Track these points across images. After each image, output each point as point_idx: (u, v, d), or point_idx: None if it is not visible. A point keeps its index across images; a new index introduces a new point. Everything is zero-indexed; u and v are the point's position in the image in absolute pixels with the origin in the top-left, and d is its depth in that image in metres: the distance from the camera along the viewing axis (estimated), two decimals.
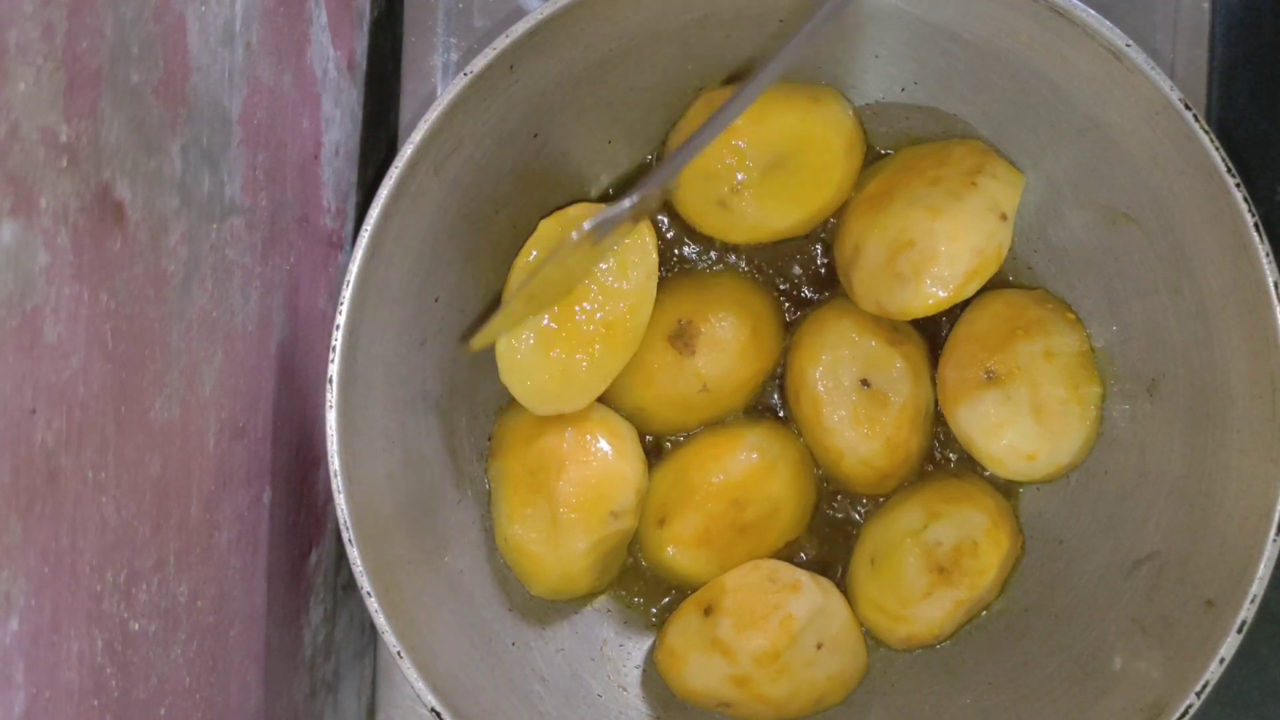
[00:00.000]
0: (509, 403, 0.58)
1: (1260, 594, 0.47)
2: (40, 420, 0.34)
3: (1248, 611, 0.47)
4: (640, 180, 0.52)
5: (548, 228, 0.55)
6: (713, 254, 0.61)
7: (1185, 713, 0.47)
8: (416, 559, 0.54)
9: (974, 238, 0.53)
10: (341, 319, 0.49)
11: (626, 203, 0.50)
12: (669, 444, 0.61)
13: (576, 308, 0.54)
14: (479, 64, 0.49)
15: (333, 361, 0.49)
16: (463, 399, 0.58)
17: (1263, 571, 0.47)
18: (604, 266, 0.54)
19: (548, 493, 0.55)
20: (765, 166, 0.55)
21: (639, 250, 0.54)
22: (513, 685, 0.55)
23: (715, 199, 0.56)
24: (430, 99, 0.65)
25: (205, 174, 0.45)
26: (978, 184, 0.53)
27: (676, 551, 0.58)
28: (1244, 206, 0.48)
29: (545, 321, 0.54)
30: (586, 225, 0.50)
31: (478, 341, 0.53)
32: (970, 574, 0.55)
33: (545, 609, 0.59)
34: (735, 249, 0.60)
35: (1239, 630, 0.47)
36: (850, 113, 0.57)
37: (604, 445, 0.56)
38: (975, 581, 0.55)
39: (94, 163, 0.37)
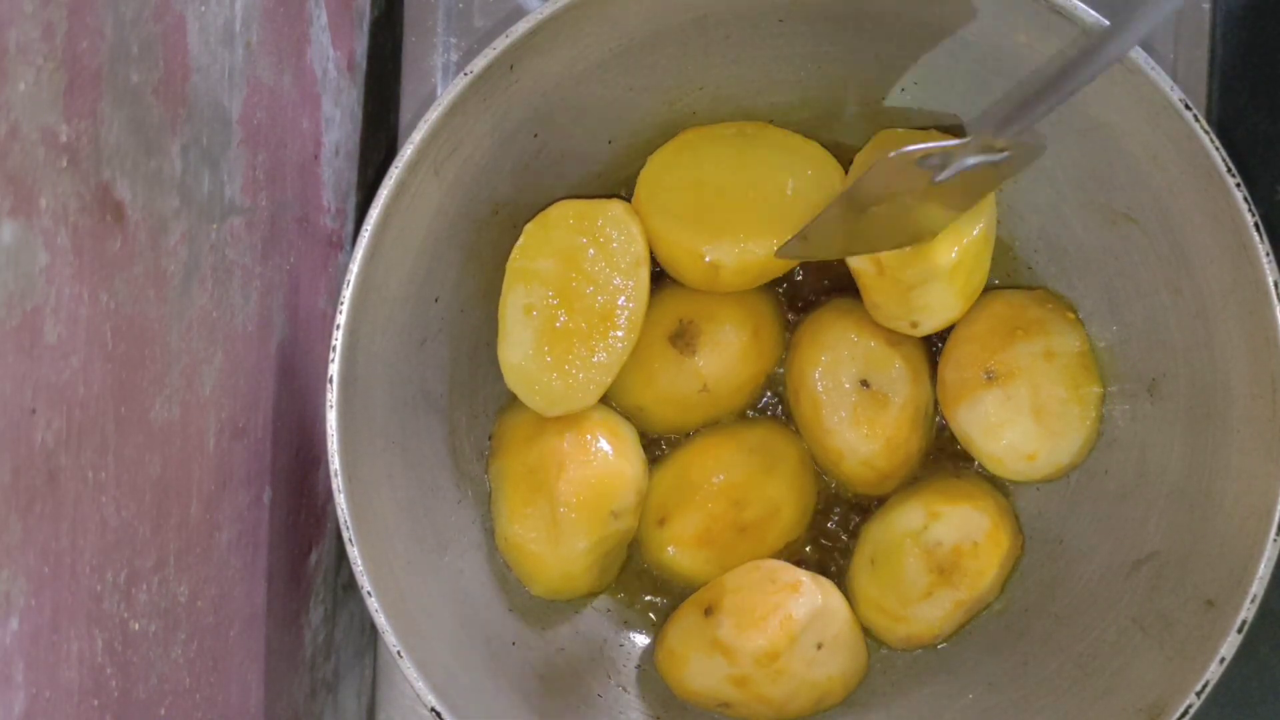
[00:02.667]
0: (509, 402, 0.58)
1: (1260, 594, 0.47)
2: (40, 420, 0.34)
3: (1248, 611, 0.47)
4: (993, 117, 0.47)
5: (531, 233, 0.55)
6: None
7: (1185, 713, 0.47)
8: (416, 559, 0.54)
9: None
10: (341, 319, 0.49)
11: (969, 139, 0.46)
12: (669, 444, 0.61)
13: (572, 305, 0.54)
14: (479, 64, 0.49)
15: (333, 361, 0.49)
16: (463, 399, 0.58)
17: (1263, 571, 0.47)
18: (590, 254, 0.54)
19: (548, 492, 0.55)
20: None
21: (625, 238, 0.54)
22: (513, 685, 0.55)
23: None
24: (430, 99, 0.65)
25: (205, 174, 0.45)
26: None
27: (676, 551, 0.58)
28: (1244, 206, 0.48)
29: (534, 321, 0.54)
30: (907, 149, 0.47)
31: (781, 250, 0.53)
32: (970, 574, 0.55)
33: (545, 609, 0.59)
34: None
35: (1239, 630, 0.47)
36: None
37: (604, 445, 0.56)
38: (975, 582, 0.55)
39: (94, 163, 0.37)
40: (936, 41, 0.53)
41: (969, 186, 0.49)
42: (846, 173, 0.56)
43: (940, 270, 0.53)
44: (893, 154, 0.48)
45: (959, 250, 0.53)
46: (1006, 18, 0.50)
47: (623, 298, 0.54)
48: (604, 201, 0.56)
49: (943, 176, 0.48)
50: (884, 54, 0.55)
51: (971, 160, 0.47)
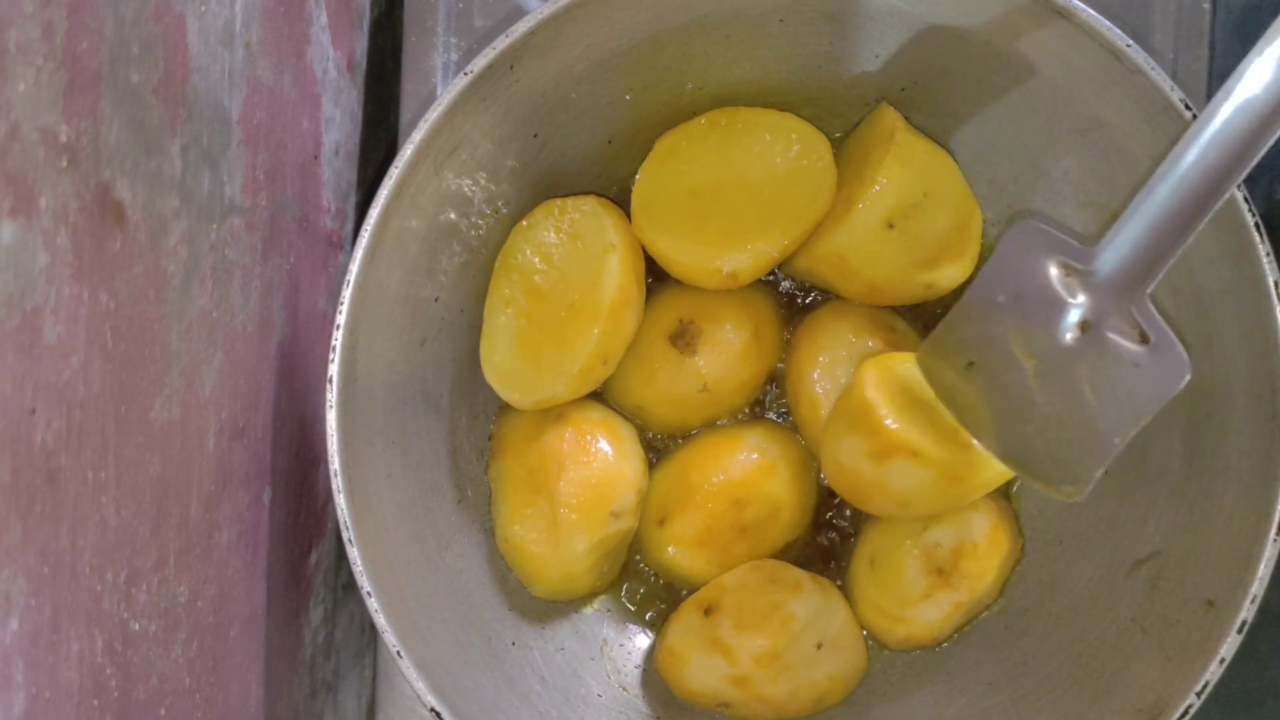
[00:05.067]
0: (509, 403, 0.58)
1: (1260, 594, 0.47)
2: (40, 420, 0.34)
3: (1248, 611, 0.47)
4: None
5: (515, 233, 0.56)
6: None
7: (1185, 713, 0.47)
8: (416, 559, 0.54)
9: None
10: (341, 319, 0.49)
11: (1097, 252, 0.41)
12: (669, 444, 0.61)
13: (545, 298, 0.54)
14: (479, 64, 0.50)
15: (333, 361, 0.49)
16: (463, 399, 0.58)
17: (1263, 571, 0.47)
18: (553, 242, 0.54)
19: (548, 493, 0.55)
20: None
21: (595, 230, 0.54)
22: (513, 685, 0.55)
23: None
24: (430, 99, 0.65)
25: (205, 174, 0.45)
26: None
27: (677, 551, 0.58)
28: (1244, 206, 0.48)
29: (513, 317, 0.55)
30: (1038, 224, 0.43)
31: (919, 355, 0.50)
32: (970, 576, 0.55)
33: (545, 609, 0.59)
34: None
35: (1239, 630, 0.47)
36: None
37: (604, 445, 0.56)
38: (974, 584, 0.55)
39: (94, 163, 0.37)
40: (937, 41, 0.53)
41: (1107, 395, 0.43)
42: (835, 147, 0.57)
43: None
44: (1019, 223, 0.43)
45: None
46: (1007, 18, 0.50)
47: (591, 287, 0.54)
48: (579, 198, 0.56)
49: (1074, 338, 0.43)
50: (885, 54, 0.55)
51: (1108, 330, 0.42)
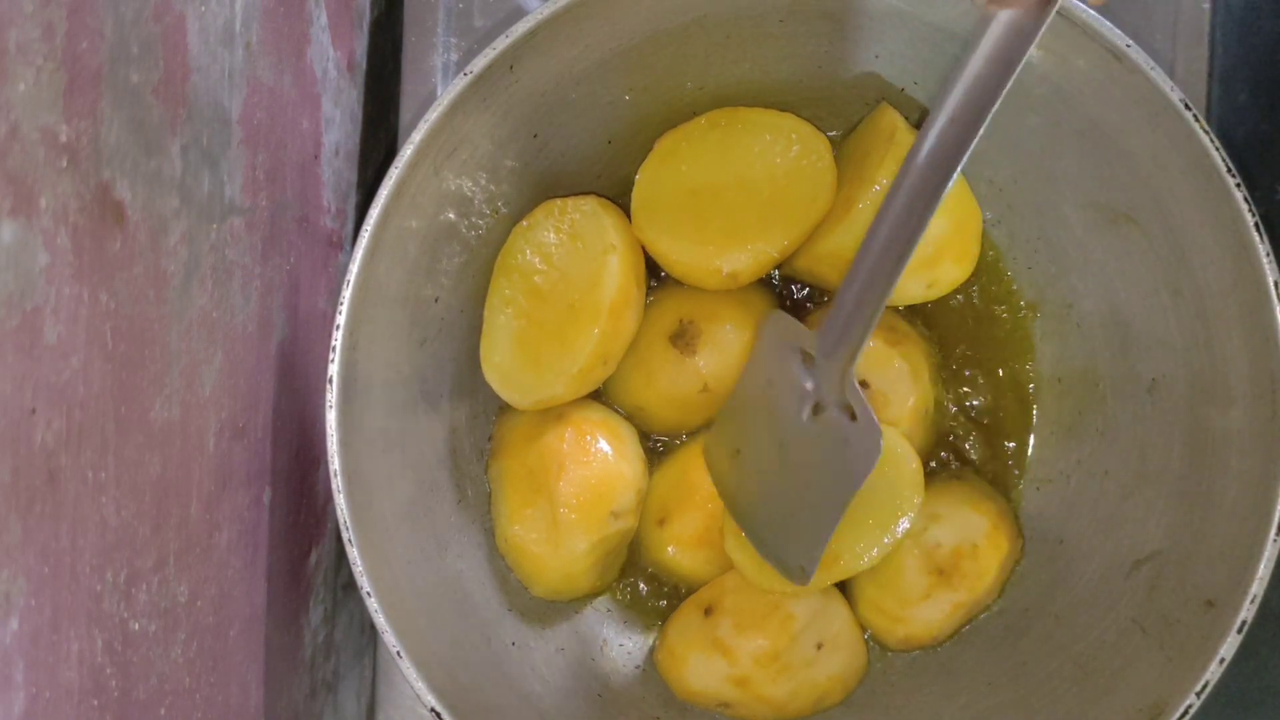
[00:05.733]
0: (509, 403, 0.58)
1: (1260, 594, 0.47)
2: (40, 420, 0.34)
3: (1248, 611, 0.47)
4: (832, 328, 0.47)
5: (515, 233, 0.56)
6: None
7: (1185, 713, 0.47)
8: (416, 559, 0.53)
9: None
10: (341, 319, 0.49)
11: (820, 333, 0.46)
12: (669, 444, 0.61)
13: (545, 298, 0.54)
14: (479, 64, 0.50)
15: (333, 361, 0.49)
16: (463, 399, 0.58)
17: (1263, 571, 0.47)
18: (553, 242, 0.54)
19: (548, 493, 0.55)
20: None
21: (595, 230, 0.54)
22: (513, 685, 0.55)
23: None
24: (430, 99, 0.65)
25: (205, 174, 0.45)
26: None
27: (677, 551, 0.58)
28: (1244, 206, 0.48)
29: (513, 317, 0.55)
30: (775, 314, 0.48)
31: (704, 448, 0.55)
32: (970, 577, 0.55)
33: (545, 609, 0.59)
34: None
35: (1239, 630, 0.47)
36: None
37: (604, 445, 0.56)
38: (974, 584, 0.55)
39: (94, 163, 0.37)
40: (937, 41, 0.53)
41: (829, 475, 0.47)
42: (835, 147, 0.57)
43: None
44: (773, 313, 0.48)
45: None
46: None
47: (591, 287, 0.54)
48: (579, 198, 0.56)
49: (807, 417, 0.48)
50: (884, 54, 0.55)
51: (830, 409, 0.47)
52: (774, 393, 0.49)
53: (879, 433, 0.46)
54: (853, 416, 0.47)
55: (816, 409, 0.48)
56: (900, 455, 0.53)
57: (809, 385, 0.48)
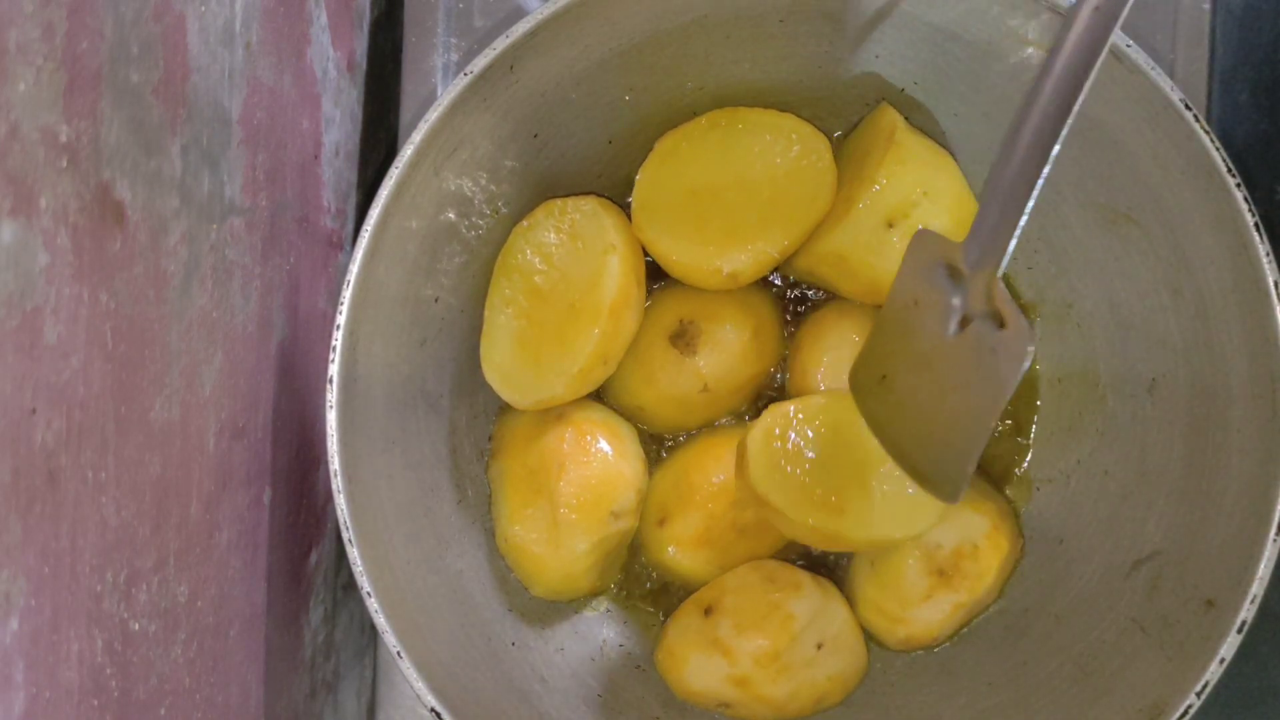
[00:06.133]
0: (509, 403, 0.58)
1: (1260, 594, 0.47)
2: (40, 420, 0.34)
3: (1248, 611, 0.47)
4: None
5: (516, 233, 0.56)
6: None
7: (1185, 713, 0.47)
8: (416, 559, 0.53)
9: None
10: (341, 319, 0.49)
11: (967, 244, 0.44)
12: (669, 444, 0.61)
13: (545, 298, 0.54)
14: (479, 64, 0.50)
15: (333, 361, 0.49)
16: (463, 399, 0.58)
17: (1263, 571, 0.47)
18: (553, 242, 0.54)
19: (548, 493, 0.55)
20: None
21: (595, 230, 0.54)
22: (513, 685, 0.55)
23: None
24: (430, 99, 0.65)
25: (205, 174, 0.45)
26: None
27: (677, 551, 0.58)
28: (1244, 206, 0.48)
29: (513, 317, 0.55)
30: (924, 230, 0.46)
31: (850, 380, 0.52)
32: (970, 577, 0.55)
33: (545, 609, 0.59)
34: None
35: (1239, 630, 0.47)
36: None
37: (604, 445, 0.56)
38: (975, 585, 0.55)
39: (94, 163, 0.37)
40: (937, 41, 0.53)
41: (977, 382, 0.46)
42: (835, 147, 0.57)
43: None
44: (918, 231, 0.47)
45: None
46: (1006, 18, 0.50)
47: (592, 287, 0.54)
48: (580, 198, 0.56)
49: (954, 330, 0.46)
50: (884, 54, 0.55)
51: (976, 317, 0.46)
52: (920, 312, 0.48)
53: (1029, 335, 0.44)
54: (1000, 325, 0.45)
55: (963, 323, 0.46)
56: None
57: (956, 301, 0.46)
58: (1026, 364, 0.44)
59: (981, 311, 0.45)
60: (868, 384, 0.52)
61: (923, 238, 0.47)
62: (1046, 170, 0.42)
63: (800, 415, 0.54)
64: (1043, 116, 0.42)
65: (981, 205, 0.44)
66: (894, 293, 0.49)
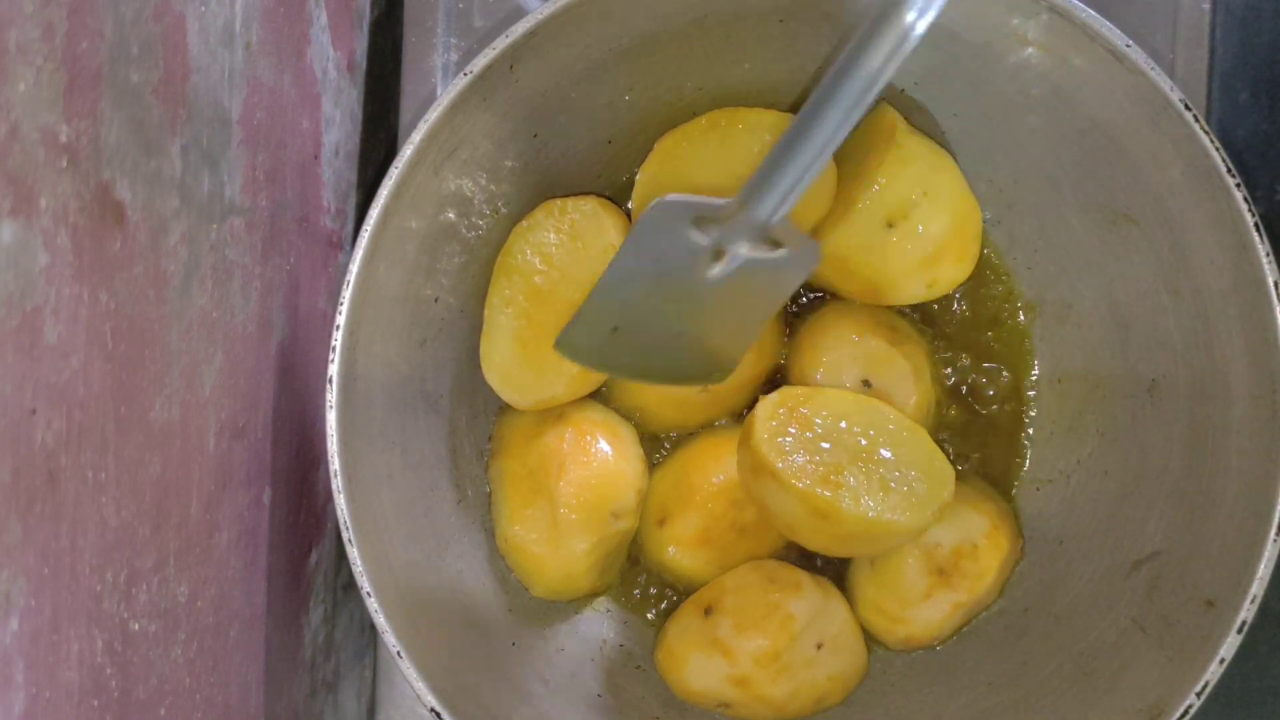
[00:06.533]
0: (509, 403, 0.58)
1: (1260, 594, 0.47)
2: (40, 420, 0.34)
3: (1248, 611, 0.47)
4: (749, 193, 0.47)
5: (516, 233, 0.56)
6: None
7: (1185, 713, 0.47)
8: (416, 559, 0.53)
9: None
10: (341, 319, 0.49)
11: (734, 201, 0.47)
12: (669, 444, 0.61)
13: (545, 298, 0.54)
14: (479, 64, 0.50)
15: (333, 361, 0.49)
16: (463, 399, 0.58)
17: (1263, 571, 0.47)
18: (553, 242, 0.54)
19: (548, 493, 0.55)
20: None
21: (595, 231, 0.54)
22: (513, 685, 0.55)
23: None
24: (430, 99, 0.65)
25: (205, 174, 0.45)
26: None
27: (677, 551, 0.58)
28: (1244, 206, 0.48)
29: (513, 317, 0.55)
30: (666, 198, 0.48)
31: (558, 342, 0.54)
32: (970, 577, 0.55)
33: (545, 609, 0.59)
34: None
35: (1239, 630, 0.47)
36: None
37: (604, 445, 0.56)
38: (974, 585, 0.55)
39: (94, 163, 0.37)
40: (937, 41, 0.53)
41: (750, 300, 0.49)
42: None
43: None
44: (656, 201, 0.48)
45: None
46: (1006, 18, 0.50)
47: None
48: (579, 198, 0.56)
49: (717, 272, 0.49)
50: None
51: (745, 252, 0.48)
52: (665, 265, 0.50)
53: (816, 245, 0.48)
54: (773, 247, 0.48)
55: (717, 255, 0.49)
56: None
57: (705, 241, 0.49)
58: (813, 264, 0.49)
59: (749, 239, 0.48)
60: (591, 342, 0.54)
61: (661, 205, 0.49)
62: (822, 133, 0.44)
63: (810, 399, 0.54)
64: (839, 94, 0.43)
65: (768, 161, 0.46)
66: (622, 257, 0.51)
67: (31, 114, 0.33)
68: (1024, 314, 0.60)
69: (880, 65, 0.42)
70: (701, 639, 0.55)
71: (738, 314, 0.52)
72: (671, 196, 0.48)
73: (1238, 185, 0.48)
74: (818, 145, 0.44)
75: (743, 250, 0.48)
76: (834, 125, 0.43)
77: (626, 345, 0.53)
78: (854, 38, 0.42)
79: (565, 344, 0.54)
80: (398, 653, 0.49)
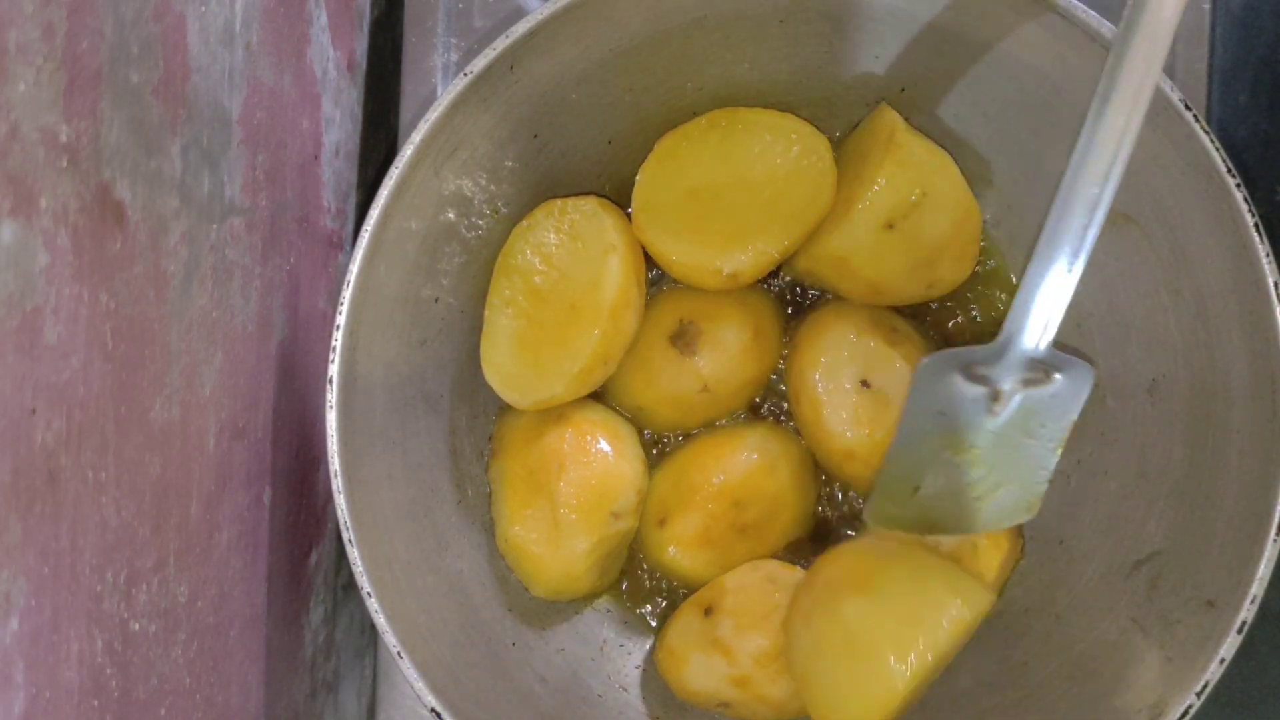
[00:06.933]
0: (509, 403, 0.58)
1: (1260, 594, 0.47)
2: (40, 420, 0.34)
3: (1248, 611, 0.47)
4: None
5: (516, 233, 0.56)
6: None
7: (1185, 713, 0.47)
8: (416, 559, 0.53)
9: None
10: (341, 319, 0.49)
11: (1001, 341, 0.48)
12: (669, 444, 0.61)
13: (545, 298, 0.54)
14: (479, 64, 0.50)
15: (333, 361, 0.49)
16: (463, 399, 0.58)
17: (1263, 571, 0.47)
18: (553, 243, 0.55)
19: (548, 493, 0.55)
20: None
21: (595, 230, 0.54)
22: (513, 685, 0.55)
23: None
24: (430, 99, 0.65)
25: (205, 174, 0.45)
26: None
27: (677, 552, 0.58)
28: (1244, 206, 0.48)
29: (513, 317, 0.55)
30: (925, 360, 0.49)
31: (870, 517, 0.55)
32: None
33: (545, 609, 0.59)
34: None
35: (1239, 630, 0.47)
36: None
37: (604, 445, 0.56)
38: None
39: (94, 163, 0.37)
40: (937, 42, 0.53)
41: (1039, 431, 0.50)
42: (835, 147, 0.57)
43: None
44: (923, 361, 0.50)
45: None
46: (1006, 18, 0.50)
47: (592, 288, 0.54)
48: (579, 198, 0.56)
49: (999, 414, 0.50)
50: (885, 54, 0.55)
51: (1021, 388, 0.49)
52: (948, 419, 0.51)
53: (1089, 368, 0.49)
54: (1046, 376, 0.49)
55: (997, 397, 0.50)
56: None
57: (980, 389, 0.50)
58: (1089, 383, 0.49)
59: (1019, 378, 0.49)
60: (899, 508, 0.54)
61: (934, 360, 0.50)
62: (1083, 248, 0.45)
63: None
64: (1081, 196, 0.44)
65: (1021, 295, 0.47)
66: (908, 417, 0.52)
67: (31, 114, 0.33)
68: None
69: (1108, 190, 0.43)
70: (702, 639, 0.55)
71: (1030, 447, 0.52)
72: (937, 354, 0.50)
73: (1238, 185, 0.48)
74: (1065, 267, 0.45)
75: (1018, 387, 0.49)
76: (1074, 242, 0.44)
77: (934, 501, 0.54)
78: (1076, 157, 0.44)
79: (876, 515, 0.55)
80: (398, 653, 0.49)
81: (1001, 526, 0.54)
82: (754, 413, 0.61)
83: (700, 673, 0.55)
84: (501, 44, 0.49)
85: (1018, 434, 0.51)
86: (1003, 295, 0.60)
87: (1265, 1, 0.63)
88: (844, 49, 0.55)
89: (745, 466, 0.58)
